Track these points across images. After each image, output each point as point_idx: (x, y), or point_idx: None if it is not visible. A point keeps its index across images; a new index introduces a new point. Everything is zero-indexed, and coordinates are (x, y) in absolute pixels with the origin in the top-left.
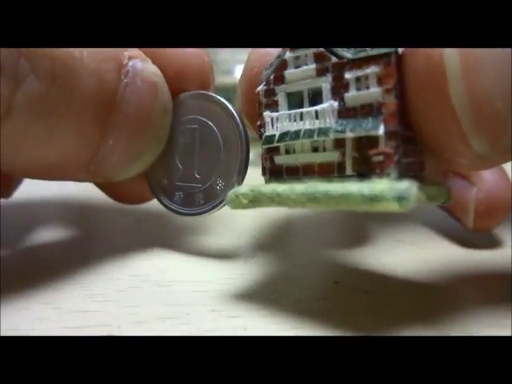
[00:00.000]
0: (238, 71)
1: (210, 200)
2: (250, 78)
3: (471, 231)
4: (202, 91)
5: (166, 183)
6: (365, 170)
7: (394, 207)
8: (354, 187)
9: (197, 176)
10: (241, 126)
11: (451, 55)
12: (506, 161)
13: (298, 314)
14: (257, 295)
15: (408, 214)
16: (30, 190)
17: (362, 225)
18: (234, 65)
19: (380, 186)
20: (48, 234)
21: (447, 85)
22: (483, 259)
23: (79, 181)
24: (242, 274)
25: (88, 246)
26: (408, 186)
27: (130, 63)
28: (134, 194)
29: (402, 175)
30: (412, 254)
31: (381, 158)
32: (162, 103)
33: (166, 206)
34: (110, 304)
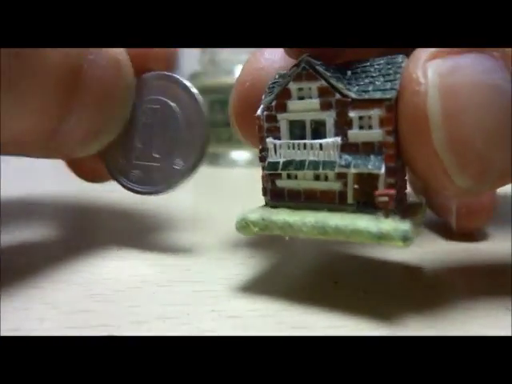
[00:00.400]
0: (239, 71)
1: (168, 179)
2: (241, 92)
3: (457, 232)
4: (165, 72)
5: (123, 162)
6: (364, 199)
7: (398, 245)
8: (362, 225)
9: (155, 155)
10: (202, 108)
11: (433, 104)
12: (492, 189)
13: (298, 313)
14: (257, 295)
15: None
16: (30, 189)
17: None
18: (234, 65)
19: (387, 226)
20: (48, 234)
21: (430, 131)
22: (483, 258)
23: (40, 157)
24: (241, 273)
25: (88, 245)
26: (410, 227)
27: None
28: (95, 172)
29: (399, 210)
30: (412, 253)
31: (386, 198)
32: (125, 81)
33: (122, 185)
34: (109, 304)
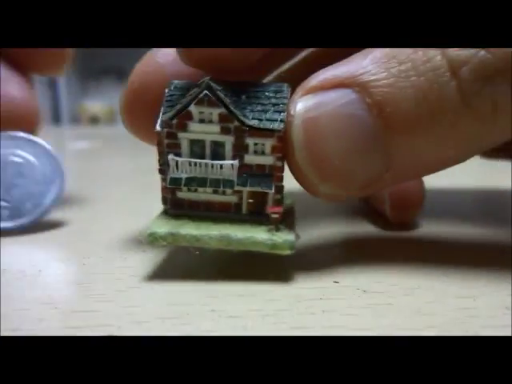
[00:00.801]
0: None
1: (16, 218)
2: (129, 92)
3: (393, 223)
4: (24, 134)
5: None
6: (256, 210)
7: (287, 253)
8: (259, 238)
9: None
10: (59, 165)
11: (296, 131)
12: (359, 195)
13: (298, 313)
14: (257, 295)
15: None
16: None
17: (362, 225)
18: None
19: (278, 239)
20: (48, 234)
21: (294, 152)
22: (483, 257)
23: None
24: (241, 273)
25: (88, 246)
26: (294, 239)
27: None
28: None
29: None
30: (411, 253)
31: (277, 216)
32: None
33: None
34: (110, 304)
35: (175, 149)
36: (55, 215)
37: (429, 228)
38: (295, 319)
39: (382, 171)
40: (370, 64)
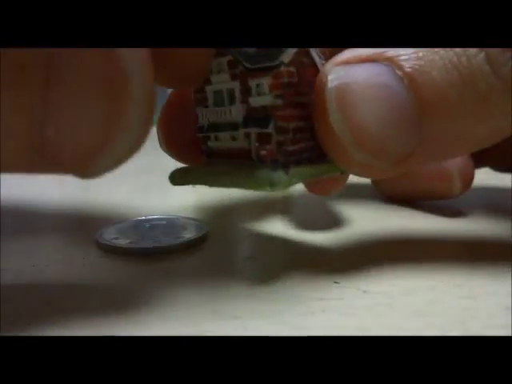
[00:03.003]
0: None
1: None
2: (168, 110)
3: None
4: None
5: None
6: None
7: (267, 188)
8: (243, 174)
9: None
10: None
11: (329, 91)
12: (389, 175)
13: (298, 314)
14: (257, 295)
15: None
16: (30, 189)
17: (361, 225)
18: None
19: (260, 175)
20: (48, 234)
21: (328, 115)
22: (483, 257)
23: (35, 172)
24: (242, 274)
25: (88, 246)
26: (278, 175)
27: None
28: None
29: (286, 161)
30: (411, 253)
31: (264, 152)
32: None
33: None
34: (110, 304)
35: (204, 102)
36: (55, 214)
37: (429, 228)
38: (295, 319)
39: (415, 145)
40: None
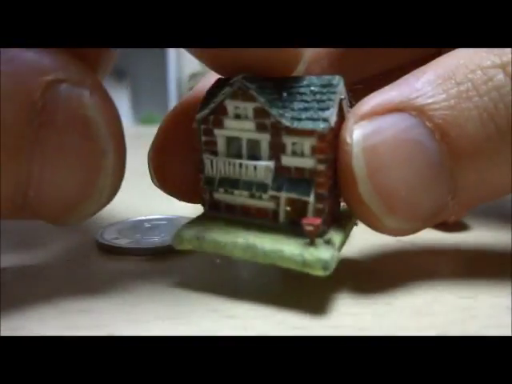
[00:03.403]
0: None
1: None
2: (160, 138)
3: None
4: None
5: None
6: (296, 220)
7: (319, 273)
8: (288, 253)
9: None
10: None
11: (357, 162)
12: (421, 229)
13: (298, 313)
14: (257, 295)
15: None
16: None
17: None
18: None
19: (309, 256)
20: (48, 234)
21: (357, 184)
22: (483, 257)
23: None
24: (241, 274)
25: (87, 246)
26: (331, 256)
27: (53, 90)
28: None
29: (326, 228)
30: (411, 253)
31: (311, 228)
32: (97, 145)
33: None
34: (109, 304)
35: (212, 147)
36: None
37: (428, 229)
38: (295, 319)
39: (448, 199)
40: (425, 86)
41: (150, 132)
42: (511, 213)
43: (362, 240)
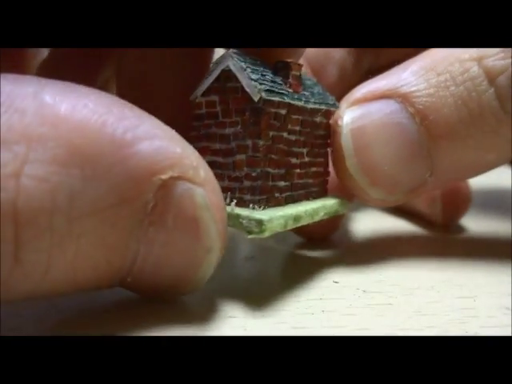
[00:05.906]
0: None
1: None
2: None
3: (440, 224)
4: None
5: None
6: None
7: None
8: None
9: None
10: None
11: (345, 140)
12: (403, 201)
13: (298, 313)
14: (257, 295)
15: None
16: None
17: (361, 224)
18: None
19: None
20: None
21: (344, 159)
22: (483, 257)
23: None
24: (241, 274)
25: None
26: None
27: (166, 189)
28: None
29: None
30: (411, 253)
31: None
32: (204, 243)
33: None
34: (112, 304)
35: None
36: None
37: (428, 229)
38: (295, 319)
39: (426, 176)
40: (410, 76)
41: None
42: (511, 214)
43: (362, 240)
